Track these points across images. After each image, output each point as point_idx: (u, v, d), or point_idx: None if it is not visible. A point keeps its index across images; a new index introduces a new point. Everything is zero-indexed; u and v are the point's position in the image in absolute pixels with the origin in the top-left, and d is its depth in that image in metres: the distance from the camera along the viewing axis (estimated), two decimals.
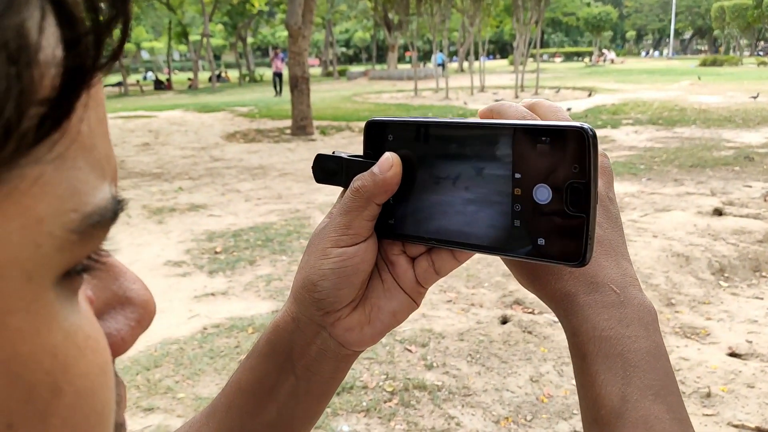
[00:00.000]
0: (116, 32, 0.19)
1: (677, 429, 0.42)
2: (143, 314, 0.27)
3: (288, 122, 12.97)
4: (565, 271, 0.45)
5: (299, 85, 11.98)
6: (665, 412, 0.42)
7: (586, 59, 57.07)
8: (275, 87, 24.40)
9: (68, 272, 0.20)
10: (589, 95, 18.59)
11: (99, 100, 0.21)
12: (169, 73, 36.86)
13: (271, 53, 26.03)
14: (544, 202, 0.41)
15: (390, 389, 3.11)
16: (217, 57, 59.13)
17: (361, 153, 0.49)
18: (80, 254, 0.20)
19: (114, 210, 0.21)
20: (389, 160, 0.45)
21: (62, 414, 0.20)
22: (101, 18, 0.19)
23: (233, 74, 42.43)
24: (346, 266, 0.46)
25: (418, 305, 0.50)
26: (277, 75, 24.62)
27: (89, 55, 0.18)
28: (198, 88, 31.30)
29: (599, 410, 0.43)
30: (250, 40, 44.15)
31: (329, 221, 0.47)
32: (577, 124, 0.40)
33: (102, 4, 0.19)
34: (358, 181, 0.45)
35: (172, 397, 3.11)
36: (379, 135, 0.47)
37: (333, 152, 0.49)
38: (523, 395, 3.04)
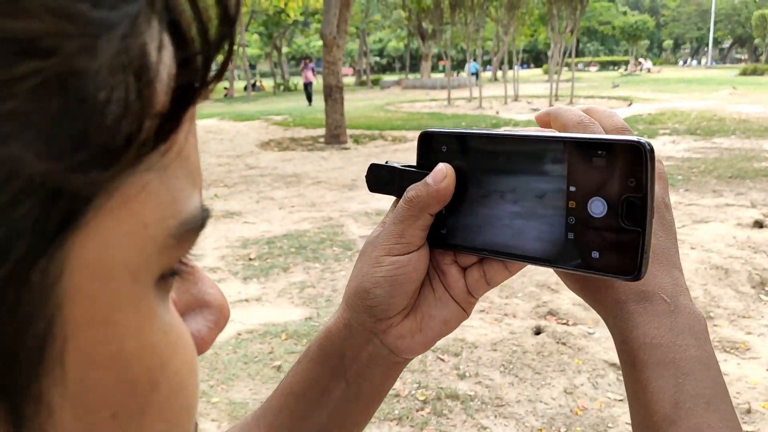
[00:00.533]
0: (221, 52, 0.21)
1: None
2: (219, 317, 0.28)
3: (322, 131, 13.07)
4: (613, 280, 0.45)
5: (333, 94, 12.07)
6: (718, 420, 0.42)
7: (622, 68, 56.43)
8: (307, 97, 24.59)
9: (164, 274, 0.21)
10: (629, 105, 18.34)
11: (193, 114, 0.22)
12: None
13: (302, 64, 26.27)
14: (598, 216, 0.41)
15: (422, 398, 3.10)
16: (252, 66, 59.90)
17: (406, 163, 0.49)
18: (175, 258, 0.22)
19: (203, 217, 0.22)
20: (443, 171, 0.46)
21: (158, 407, 0.22)
22: (210, 40, 0.20)
23: (268, 83, 42.94)
24: (398, 274, 0.46)
25: (468, 315, 0.50)
26: (308, 85, 24.79)
27: (198, 74, 0.20)
28: (234, 97, 31.73)
29: (651, 417, 0.43)
30: (285, 49, 44.66)
31: (382, 230, 0.48)
32: (635, 138, 0.40)
33: (210, 27, 0.20)
34: (412, 191, 0.46)
35: (207, 401, 3.15)
36: (433, 146, 0.48)
37: (386, 162, 0.49)
38: (557, 407, 3.01)
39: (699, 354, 0.44)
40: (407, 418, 2.94)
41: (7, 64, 0.16)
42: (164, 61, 0.19)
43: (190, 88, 0.20)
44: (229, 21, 0.20)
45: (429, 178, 0.46)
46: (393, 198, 0.49)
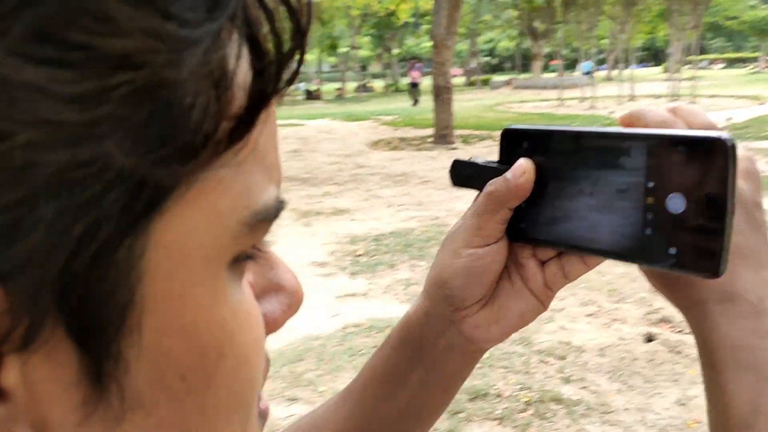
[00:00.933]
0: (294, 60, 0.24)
1: None
2: (293, 300, 0.31)
3: (430, 131, 13.12)
4: (697, 279, 0.45)
5: (442, 95, 12.10)
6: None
7: (750, 65, 52.85)
8: (413, 97, 24.67)
9: (237, 258, 0.24)
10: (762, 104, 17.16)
11: (272, 116, 0.26)
12: (318, 84, 38.52)
13: (408, 64, 26.38)
14: (677, 212, 0.41)
15: (525, 399, 3.07)
16: (363, 68, 60.93)
17: (489, 159, 0.50)
18: (248, 244, 0.24)
19: (277, 208, 0.26)
20: (522, 167, 0.47)
21: (224, 375, 0.24)
22: (283, 51, 0.23)
23: (378, 84, 43.52)
24: (476, 266, 0.48)
25: (546, 308, 0.51)
26: (414, 85, 24.80)
27: (271, 81, 0.23)
28: (345, 97, 32.43)
29: (728, 420, 0.43)
30: (395, 51, 45.13)
31: (462, 222, 0.49)
32: (715, 134, 0.40)
33: (284, 37, 0.23)
34: (492, 185, 0.47)
35: (313, 390, 3.27)
36: (514, 142, 0.49)
37: (470, 158, 0.51)
38: (669, 418, 2.90)
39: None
40: (509, 418, 2.93)
41: (105, 75, 0.18)
42: (242, 70, 0.22)
43: (264, 94, 0.22)
44: (300, 34, 0.23)
45: (509, 174, 0.47)
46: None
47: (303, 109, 25.45)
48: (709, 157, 0.39)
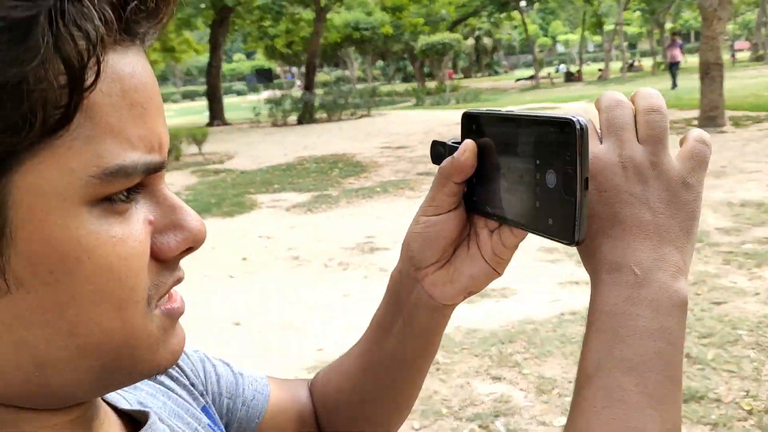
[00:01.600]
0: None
1: (643, 402, 0.43)
2: (189, 236, 0.43)
3: (695, 113, 12.01)
4: (595, 250, 0.48)
5: (711, 72, 10.97)
6: (634, 384, 0.44)
7: None
8: (672, 78, 21.64)
9: (101, 199, 0.37)
10: None
11: (135, 103, 0.38)
12: (580, 65, 37.14)
13: (668, 41, 23.07)
14: (551, 186, 0.46)
15: (748, 408, 2.80)
16: (632, 46, 57.28)
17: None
18: (106, 191, 0.37)
19: (143, 168, 0.38)
20: (464, 147, 0.53)
21: (85, 275, 0.37)
22: (82, 66, 0.34)
23: (647, 63, 40.59)
24: (429, 231, 0.56)
25: (500, 274, 0.57)
26: (673, 65, 21.78)
27: (78, 85, 0.34)
28: (608, 78, 30.87)
29: (577, 374, 0.47)
30: (668, 25, 41.62)
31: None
32: (569, 116, 0.44)
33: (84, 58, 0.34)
34: (443, 163, 0.55)
35: (518, 372, 3.32)
36: (469, 125, 0.55)
37: (446, 140, 0.58)
38: None
39: (648, 325, 0.45)
40: (724, 425, 2.70)
41: None
42: (54, 79, 0.34)
43: (77, 91, 0.34)
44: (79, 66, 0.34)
45: (456, 152, 0.54)
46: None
47: (561, 91, 24.83)
48: (566, 137, 0.44)
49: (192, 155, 13.86)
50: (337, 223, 7.29)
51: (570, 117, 0.44)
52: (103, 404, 0.50)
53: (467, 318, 3.96)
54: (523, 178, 0.49)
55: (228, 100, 47.98)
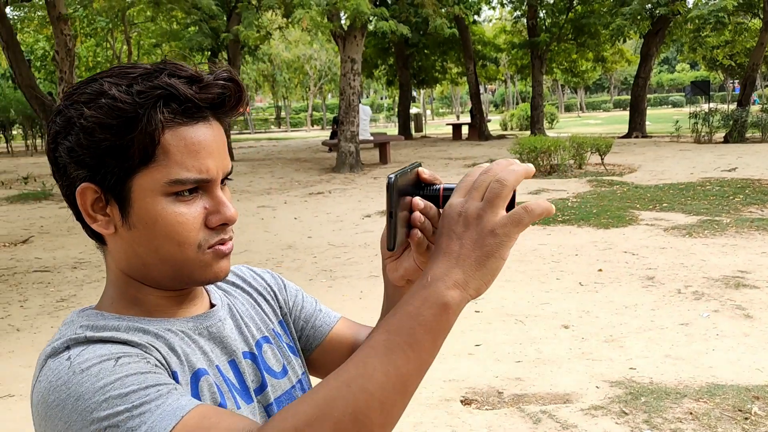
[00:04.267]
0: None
1: (383, 353, 0.63)
2: (223, 218, 0.79)
3: None
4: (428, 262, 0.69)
5: None
6: (383, 340, 0.64)
7: None
8: None
9: (175, 193, 0.77)
10: None
11: (192, 144, 0.77)
12: None
13: None
14: (391, 217, 0.70)
15: None
16: None
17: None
18: (172, 190, 0.76)
19: (194, 182, 0.77)
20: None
21: (160, 227, 0.77)
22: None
23: None
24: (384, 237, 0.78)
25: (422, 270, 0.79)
26: None
27: (156, 143, 0.75)
28: None
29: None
30: None
31: None
32: (391, 174, 0.68)
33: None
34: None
35: None
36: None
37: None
38: None
39: (412, 309, 0.64)
40: None
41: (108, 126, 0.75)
42: (147, 139, 0.74)
43: (153, 135, 0.74)
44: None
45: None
46: None
47: None
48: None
49: (595, 165, 14.07)
50: (712, 251, 6.81)
51: (390, 175, 0.70)
52: (204, 293, 0.92)
53: None
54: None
55: (661, 111, 46.02)
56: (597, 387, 3.82)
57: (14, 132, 30.31)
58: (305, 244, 8.16)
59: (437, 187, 0.76)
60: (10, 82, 27.20)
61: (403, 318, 0.65)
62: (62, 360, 0.71)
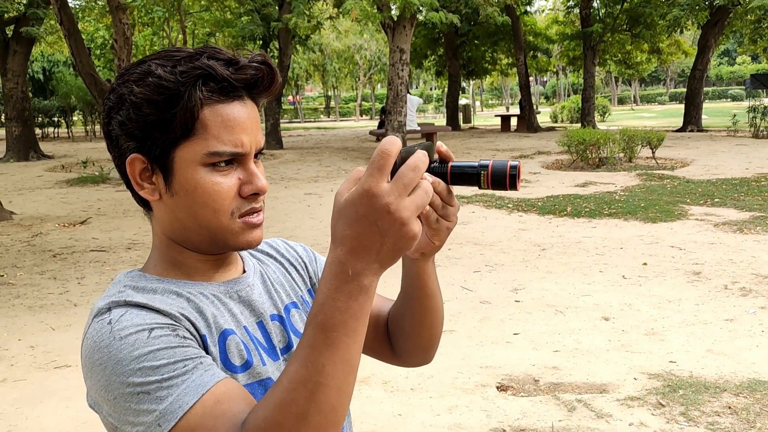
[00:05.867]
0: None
1: (311, 346, 0.70)
2: (255, 188, 0.87)
3: None
4: None
5: None
6: (310, 335, 0.70)
7: None
8: None
9: (212, 164, 0.84)
10: None
11: (226, 119, 0.84)
12: None
13: None
14: None
15: None
16: None
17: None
18: (210, 161, 0.84)
19: (230, 154, 0.85)
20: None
21: (199, 194, 0.85)
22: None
23: None
24: None
25: (435, 245, 0.87)
26: None
27: (195, 118, 0.83)
28: None
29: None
30: None
31: None
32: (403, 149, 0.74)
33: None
34: None
35: None
36: None
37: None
38: None
39: (339, 306, 0.69)
40: None
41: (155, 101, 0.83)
42: (187, 113, 0.82)
43: (194, 121, 0.82)
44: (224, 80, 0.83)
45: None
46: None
47: None
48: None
49: (646, 158, 13.82)
50: (764, 248, 6.66)
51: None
52: (239, 260, 1.00)
53: None
54: None
55: (719, 105, 44.53)
56: (635, 378, 3.82)
57: (75, 118, 31.28)
58: None
59: (446, 164, 0.80)
60: (71, 69, 28.11)
61: (335, 314, 0.70)
62: (104, 323, 0.81)
